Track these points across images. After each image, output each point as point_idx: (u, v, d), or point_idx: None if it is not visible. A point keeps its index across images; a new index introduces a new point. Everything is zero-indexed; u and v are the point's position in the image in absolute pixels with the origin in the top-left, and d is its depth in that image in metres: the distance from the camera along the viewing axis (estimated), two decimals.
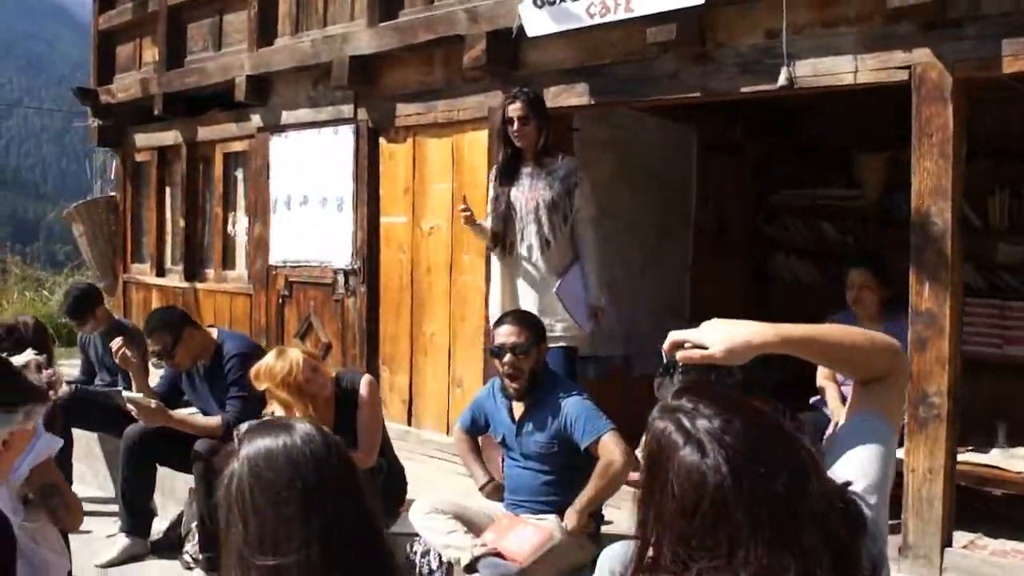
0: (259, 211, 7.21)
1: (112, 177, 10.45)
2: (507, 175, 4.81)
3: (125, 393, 4.82)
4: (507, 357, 3.98)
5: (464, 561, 3.72)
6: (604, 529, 4.21)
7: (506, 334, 4.01)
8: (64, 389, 3.69)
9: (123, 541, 5.06)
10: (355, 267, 6.41)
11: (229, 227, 7.81)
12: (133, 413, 4.77)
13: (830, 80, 4.24)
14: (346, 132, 6.44)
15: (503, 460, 4.38)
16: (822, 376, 4.78)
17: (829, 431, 4.00)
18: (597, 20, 4.68)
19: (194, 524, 5.01)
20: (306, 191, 6.77)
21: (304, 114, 6.76)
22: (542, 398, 4.02)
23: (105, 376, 6.31)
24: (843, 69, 4.19)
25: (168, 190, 8.54)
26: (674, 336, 1.75)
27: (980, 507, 4.29)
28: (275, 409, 4.36)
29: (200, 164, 8.07)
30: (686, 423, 1.47)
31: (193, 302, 7.87)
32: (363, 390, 4.44)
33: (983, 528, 4.21)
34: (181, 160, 8.16)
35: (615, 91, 5.00)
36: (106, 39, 8.99)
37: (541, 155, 4.77)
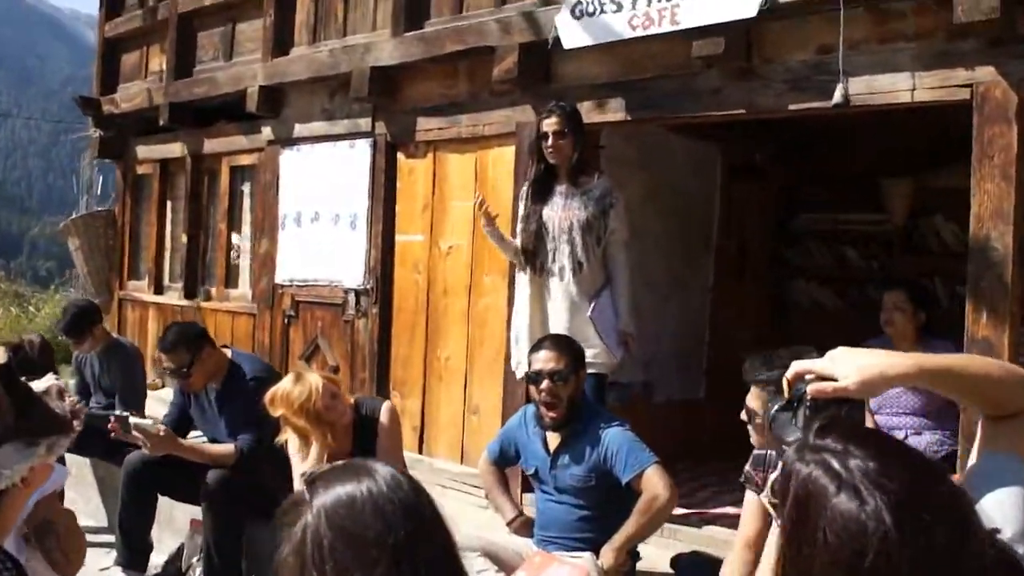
0: (266, 227, 6.95)
1: (98, 193, 10.22)
2: (539, 193, 4.61)
3: (132, 420, 4.50)
4: (544, 384, 3.74)
5: None
6: (638, 566, 3.96)
7: (544, 360, 3.77)
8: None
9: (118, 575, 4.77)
10: (367, 287, 6.16)
11: (233, 254, 7.56)
12: (139, 442, 4.49)
13: (886, 98, 4.06)
14: (363, 146, 6.20)
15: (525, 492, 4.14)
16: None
17: None
18: (640, 33, 4.48)
19: (195, 559, 4.74)
20: (318, 207, 6.52)
21: (318, 127, 6.52)
22: (580, 429, 3.78)
23: (101, 398, 6.04)
24: (900, 87, 4.01)
25: (170, 204, 8.28)
26: (798, 367, 1.60)
27: None
28: (289, 436, 4.12)
29: (205, 177, 7.82)
30: (836, 465, 1.30)
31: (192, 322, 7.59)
32: (384, 418, 4.20)
33: None
34: (185, 173, 7.90)
35: (654, 107, 4.79)
36: (111, 47, 8.74)
37: (575, 173, 4.58)
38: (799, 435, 1.53)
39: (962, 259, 6.39)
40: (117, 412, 4.99)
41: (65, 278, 17.56)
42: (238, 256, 7.55)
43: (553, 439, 3.84)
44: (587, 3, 4.68)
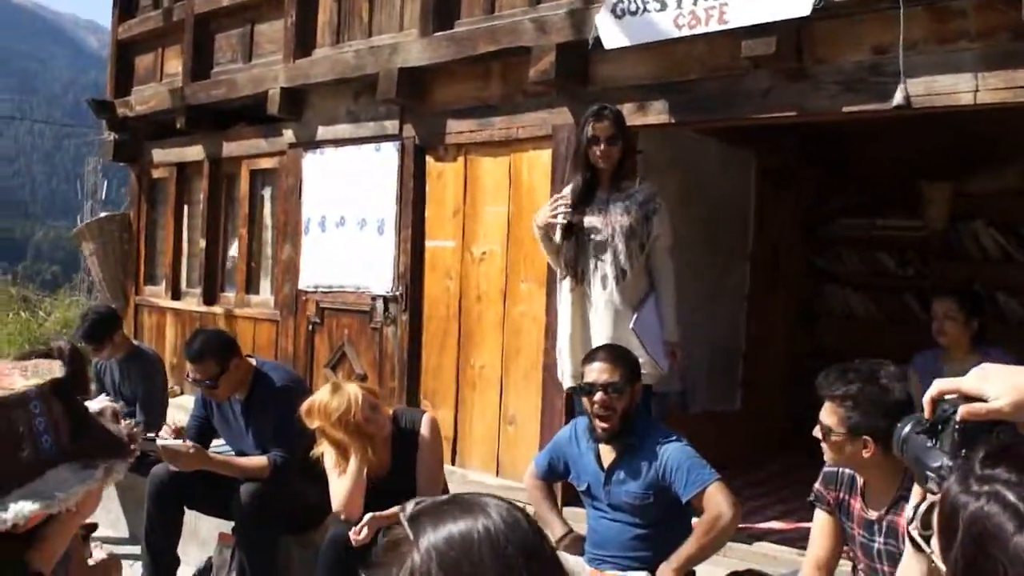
0: (288, 232, 6.81)
1: (103, 197, 10.09)
2: (580, 198, 4.45)
3: (160, 441, 4.29)
4: (599, 396, 3.58)
5: None
6: None
7: (599, 371, 3.62)
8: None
9: None
10: (396, 293, 6.01)
11: (228, 264, 7.45)
12: (167, 460, 4.34)
13: (946, 100, 3.91)
14: (389, 149, 6.06)
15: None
16: None
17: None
18: (686, 32, 4.33)
19: (225, 573, 4.59)
20: (343, 212, 6.37)
21: (343, 130, 6.37)
22: (636, 444, 3.62)
23: (121, 406, 5.87)
24: (962, 88, 3.86)
25: (186, 208, 8.13)
26: (942, 385, 1.48)
27: None
28: (325, 450, 3.97)
29: (224, 182, 7.67)
30: (1012, 499, 1.19)
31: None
32: (424, 430, 4.06)
33: None
34: (203, 177, 7.75)
35: (698, 109, 4.65)
36: (125, 49, 8.59)
37: (617, 178, 4.43)
38: (945, 460, 1.43)
39: (1002, 265, 6.32)
40: (150, 436, 4.77)
41: (73, 283, 17.45)
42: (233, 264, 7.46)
43: (607, 454, 3.68)
44: (629, 2, 4.53)
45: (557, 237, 4.45)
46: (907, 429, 1.62)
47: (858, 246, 6.99)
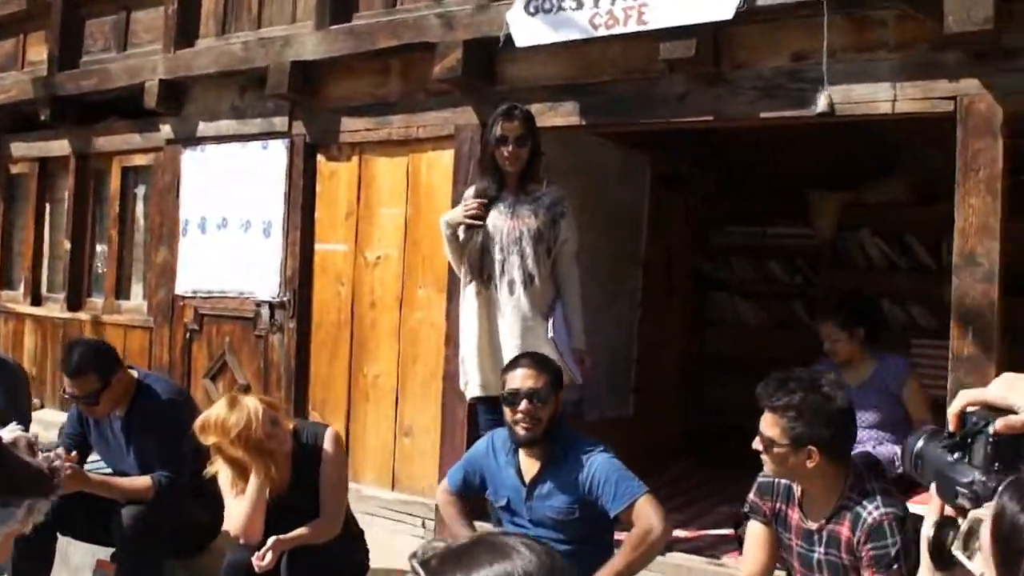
0: (164, 233, 6.38)
1: None
2: (487, 200, 4.29)
3: None
4: (523, 405, 3.42)
5: None
6: None
7: (523, 378, 3.46)
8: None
9: None
10: (283, 299, 5.69)
11: (97, 263, 7.01)
12: None
13: (864, 109, 3.93)
14: (277, 147, 5.74)
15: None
16: None
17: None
18: (603, 32, 4.20)
19: None
20: (225, 213, 6.01)
21: (226, 125, 6.01)
22: (560, 455, 3.47)
23: None
24: (880, 97, 3.88)
25: (49, 207, 7.56)
26: (968, 396, 1.43)
27: None
28: (220, 468, 3.69)
29: (92, 179, 7.15)
30: None
31: (77, 335, 6.92)
32: (327, 445, 3.82)
33: None
34: (69, 173, 7.21)
35: (611, 112, 4.53)
36: None
37: (525, 180, 4.29)
38: (977, 475, 1.36)
39: (887, 274, 6.47)
40: None
41: None
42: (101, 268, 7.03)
43: (529, 467, 3.52)
44: None
45: (462, 235, 4.29)
46: (920, 443, 1.52)
47: (749, 253, 7.05)
